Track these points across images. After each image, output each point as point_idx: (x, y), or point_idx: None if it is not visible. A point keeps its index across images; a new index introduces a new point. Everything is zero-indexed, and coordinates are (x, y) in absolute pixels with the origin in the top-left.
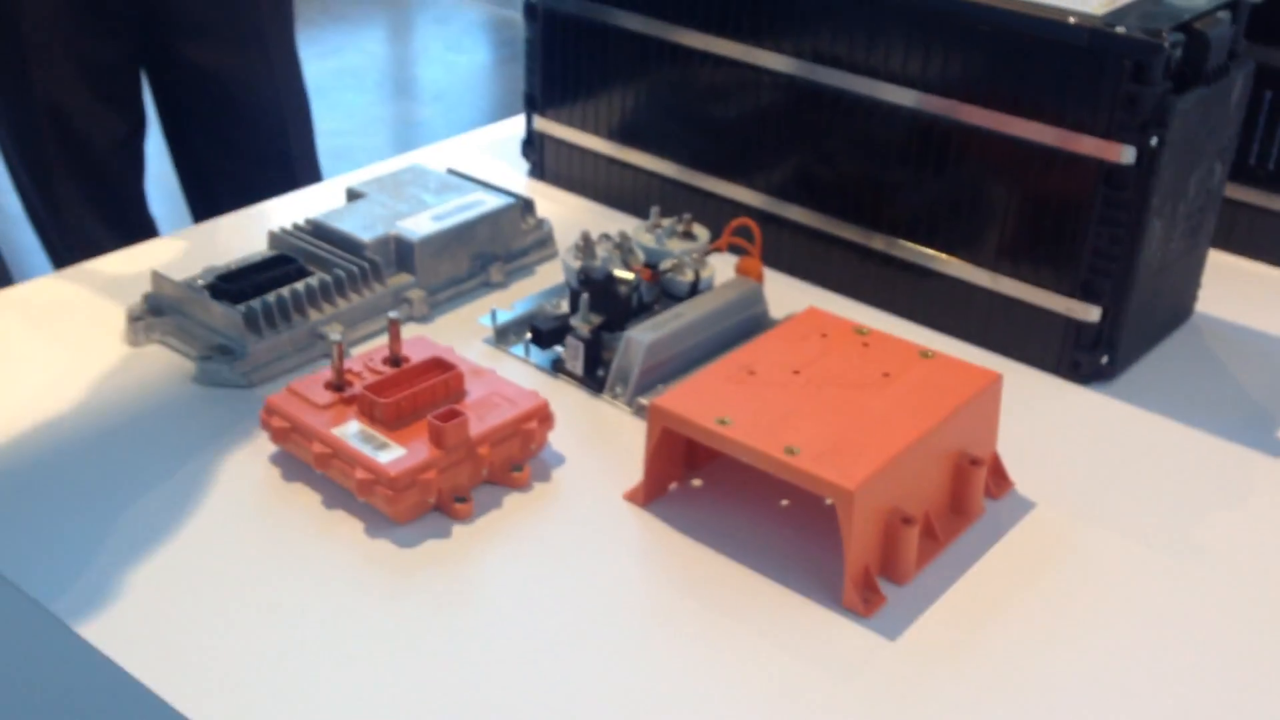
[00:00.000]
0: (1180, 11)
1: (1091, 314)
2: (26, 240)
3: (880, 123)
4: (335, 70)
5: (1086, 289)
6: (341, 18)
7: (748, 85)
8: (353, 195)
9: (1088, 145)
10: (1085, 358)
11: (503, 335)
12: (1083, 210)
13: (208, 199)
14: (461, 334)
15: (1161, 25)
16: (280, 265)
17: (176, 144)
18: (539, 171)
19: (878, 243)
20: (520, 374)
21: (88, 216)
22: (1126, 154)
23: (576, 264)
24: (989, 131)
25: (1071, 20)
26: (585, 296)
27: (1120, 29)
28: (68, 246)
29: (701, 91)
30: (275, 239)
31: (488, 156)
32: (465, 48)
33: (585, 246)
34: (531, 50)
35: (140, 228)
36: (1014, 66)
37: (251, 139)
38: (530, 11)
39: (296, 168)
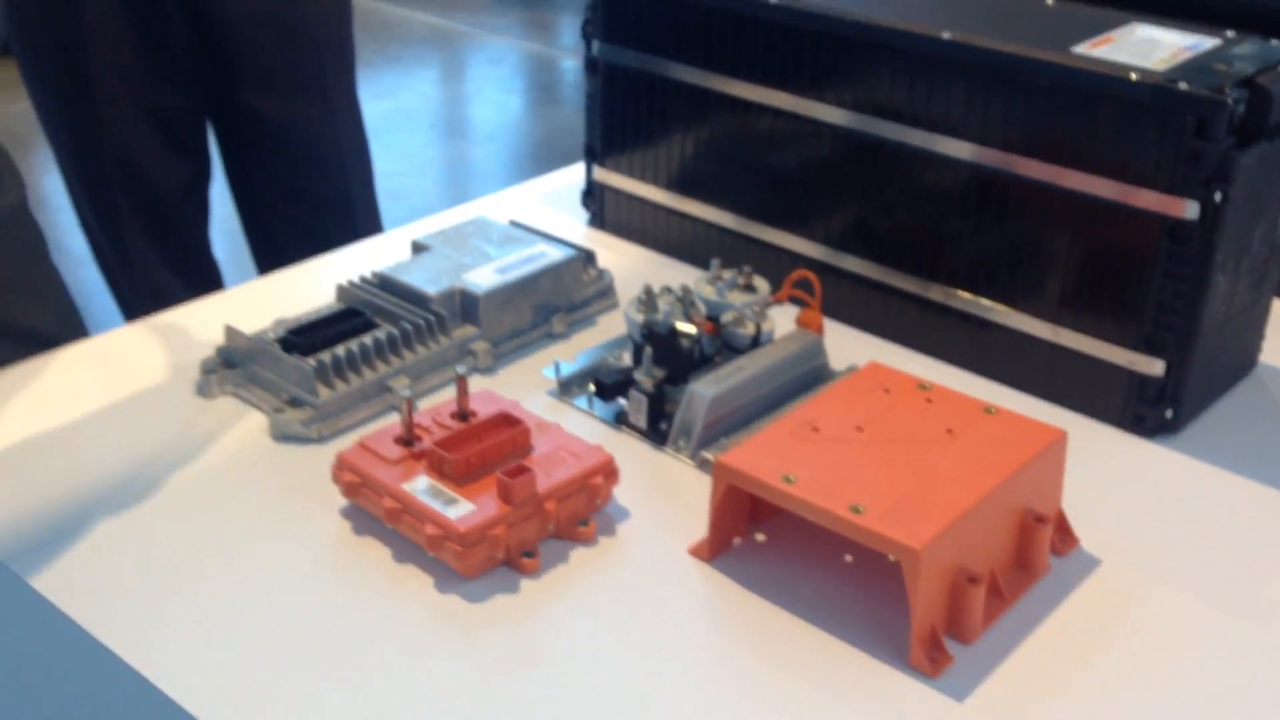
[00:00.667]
0: (1243, 66)
1: (1155, 368)
2: (92, 280)
3: (938, 175)
4: (390, 111)
5: (1150, 343)
6: (396, 59)
7: (805, 137)
8: (418, 248)
9: (1150, 200)
10: (1149, 412)
11: (566, 387)
12: (1145, 264)
13: (270, 243)
14: (525, 386)
15: (1224, 81)
16: (349, 318)
17: (239, 188)
18: (599, 221)
19: (936, 294)
20: (584, 427)
21: (154, 260)
22: (1190, 209)
23: (639, 317)
24: (1049, 185)
25: (1133, 76)
26: (648, 350)
27: (1183, 85)
28: (134, 290)
29: (759, 143)
30: (343, 292)
31: (548, 206)
32: (516, 88)
33: (647, 300)
34: (592, 103)
35: (205, 271)
36: (1075, 121)
37: (313, 184)
38: (591, 65)
39: (357, 211)
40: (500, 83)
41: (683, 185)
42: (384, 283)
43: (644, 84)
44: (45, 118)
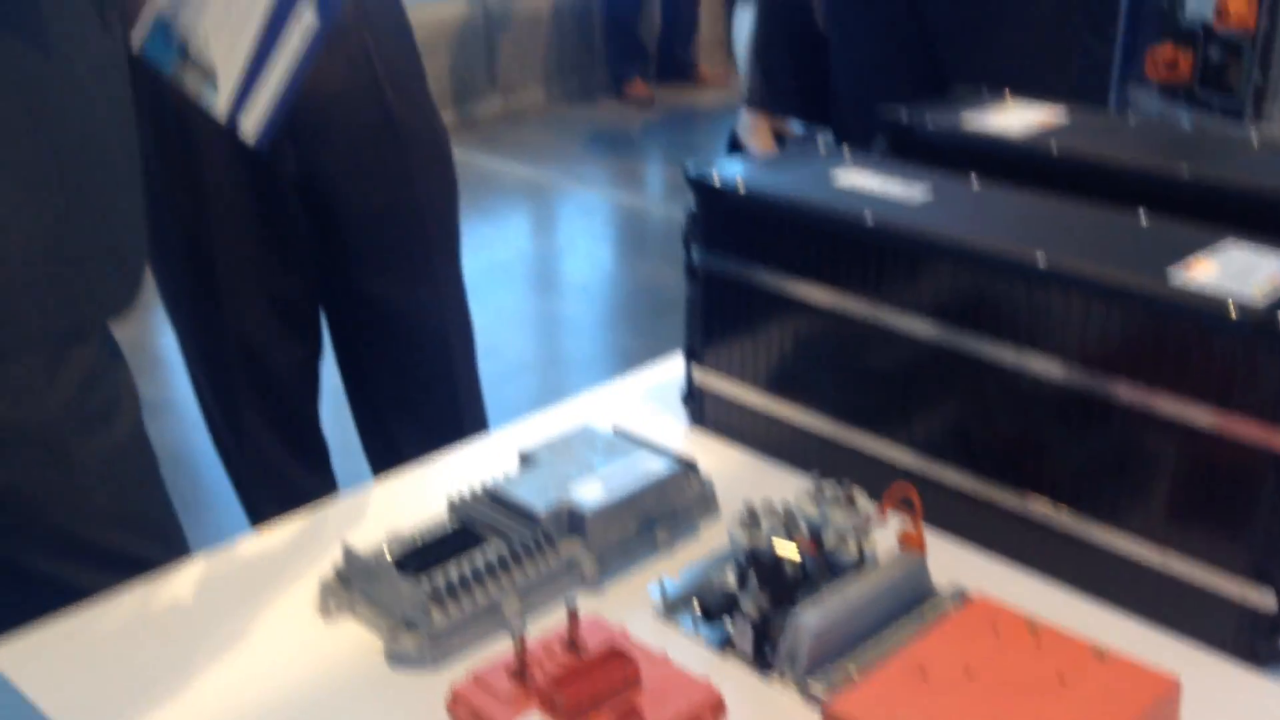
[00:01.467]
0: None
1: (1267, 600)
2: (201, 443)
3: (1033, 390)
4: (485, 265)
5: (1260, 572)
6: (491, 212)
7: (900, 347)
8: (525, 459)
9: (1256, 432)
10: (1263, 644)
11: (672, 608)
12: (1253, 493)
13: (375, 417)
14: (631, 604)
15: None
16: (460, 536)
17: (347, 365)
18: (699, 419)
19: (1036, 509)
20: (689, 650)
21: (266, 436)
22: None
23: (743, 538)
24: (1147, 409)
25: (1232, 307)
26: (752, 575)
27: None
28: (246, 463)
29: (855, 351)
30: (454, 507)
31: (649, 403)
32: (607, 239)
33: (750, 518)
34: (692, 307)
35: (313, 443)
36: (1174, 349)
37: (417, 361)
38: (690, 271)
39: (459, 386)
40: (591, 234)
41: (781, 389)
42: (494, 497)
43: (742, 291)
44: (169, 302)
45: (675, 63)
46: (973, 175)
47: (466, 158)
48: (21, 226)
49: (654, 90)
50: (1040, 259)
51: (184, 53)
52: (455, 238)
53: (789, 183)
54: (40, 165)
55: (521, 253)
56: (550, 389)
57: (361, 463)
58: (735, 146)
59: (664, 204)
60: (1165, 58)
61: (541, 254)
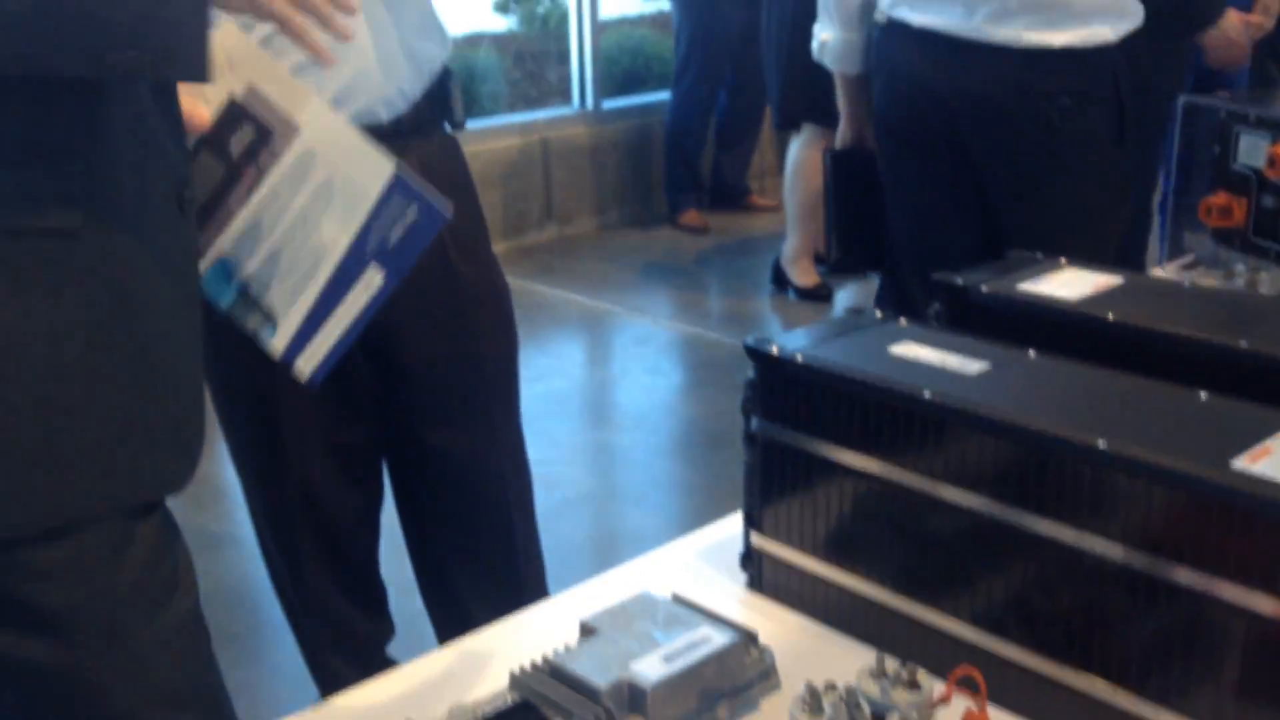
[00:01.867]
0: None
1: None
2: (262, 577)
3: (1094, 569)
4: (540, 396)
5: None
6: (548, 341)
7: (958, 520)
8: (586, 630)
9: None
10: None
11: None
12: None
13: (434, 564)
14: None
15: None
16: (522, 711)
17: (406, 512)
18: (757, 583)
19: (1100, 690)
20: None
21: (326, 581)
22: None
23: None
24: (1208, 594)
25: None
26: None
27: None
28: (305, 607)
29: (913, 524)
30: (516, 680)
31: (707, 566)
32: (664, 369)
33: (811, 700)
34: (750, 473)
35: (372, 589)
36: (1237, 537)
37: (475, 509)
38: (749, 438)
39: (516, 533)
40: (646, 364)
41: (840, 557)
42: (554, 671)
43: (801, 458)
44: (234, 448)
45: (729, 190)
46: (1029, 349)
47: (522, 286)
48: (95, 400)
49: (707, 218)
50: (1102, 442)
51: (243, 292)
52: (515, 388)
53: (846, 354)
54: (117, 344)
55: (577, 383)
56: (606, 524)
57: (418, 598)
58: (780, 278)
59: (718, 333)
60: (1219, 204)
61: (596, 384)
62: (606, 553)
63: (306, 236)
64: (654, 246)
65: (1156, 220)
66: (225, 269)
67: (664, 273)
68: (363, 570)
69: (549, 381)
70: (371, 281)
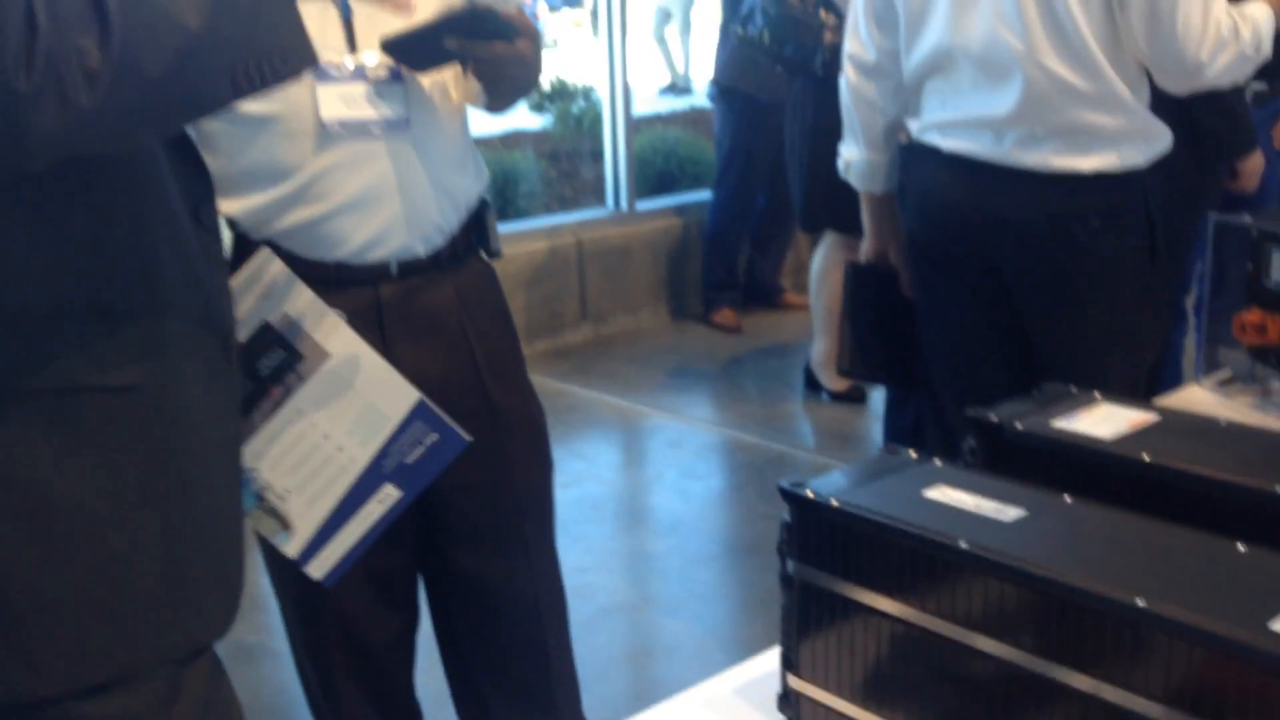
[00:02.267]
0: None
1: None
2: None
3: None
4: (575, 501)
5: None
6: (582, 443)
7: (994, 669)
8: None
9: None
10: None
11: None
12: None
13: (468, 681)
14: None
15: None
16: None
17: (442, 635)
18: None
19: None
20: None
21: (360, 703)
22: None
23: None
24: None
25: None
26: None
27: None
28: None
29: (949, 670)
30: None
31: (744, 703)
32: (699, 473)
33: None
34: (787, 615)
35: (406, 708)
36: (1266, 698)
37: (510, 632)
38: (785, 581)
39: (550, 654)
40: (681, 468)
41: (876, 702)
42: None
43: (837, 603)
44: (274, 577)
45: (763, 289)
46: (1065, 493)
47: (557, 388)
48: (147, 551)
49: (740, 318)
50: (1140, 600)
51: (260, 499)
52: (549, 511)
53: (881, 499)
54: (169, 494)
55: (611, 486)
56: (641, 635)
57: (453, 712)
58: (811, 380)
59: (754, 435)
60: (1253, 322)
61: (631, 488)
62: (642, 666)
63: (327, 453)
64: (687, 347)
65: (1192, 321)
66: (244, 477)
67: (698, 374)
68: (397, 689)
69: (584, 486)
70: (387, 497)
